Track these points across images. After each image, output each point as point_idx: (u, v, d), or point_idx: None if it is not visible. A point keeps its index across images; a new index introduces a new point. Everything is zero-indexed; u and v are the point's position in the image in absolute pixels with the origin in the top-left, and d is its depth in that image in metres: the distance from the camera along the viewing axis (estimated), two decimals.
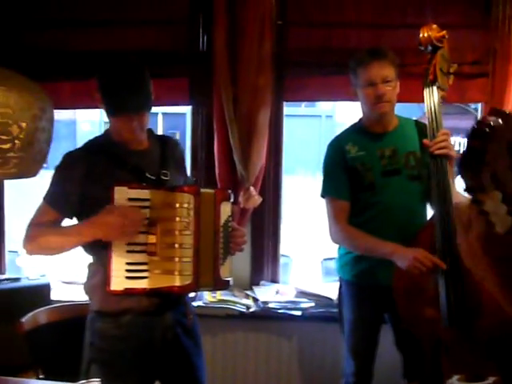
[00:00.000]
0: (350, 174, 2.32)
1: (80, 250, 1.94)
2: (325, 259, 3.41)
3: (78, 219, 1.91)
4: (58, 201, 1.87)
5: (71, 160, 1.88)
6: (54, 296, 2.85)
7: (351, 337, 2.41)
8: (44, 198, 1.90)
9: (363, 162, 2.31)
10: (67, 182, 1.85)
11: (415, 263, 2.09)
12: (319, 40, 3.02)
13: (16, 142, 1.29)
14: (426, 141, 2.22)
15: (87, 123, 16.01)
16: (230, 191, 1.99)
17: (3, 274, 3.16)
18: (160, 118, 13.78)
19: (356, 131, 2.41)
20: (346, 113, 15.43)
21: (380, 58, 2.23)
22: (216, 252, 1.90)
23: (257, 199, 2.93)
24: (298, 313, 2.84)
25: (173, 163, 2.01)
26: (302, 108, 15.39)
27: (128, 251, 1.82)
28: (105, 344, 1.91)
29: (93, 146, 1.94)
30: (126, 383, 1.91)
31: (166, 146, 2.03)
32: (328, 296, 2.88)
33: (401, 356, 2.42)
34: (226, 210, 1.93)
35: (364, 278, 2.36)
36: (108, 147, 1.90)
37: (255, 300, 2.92)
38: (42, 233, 1.85)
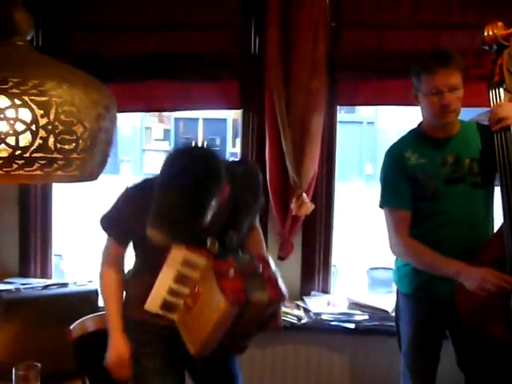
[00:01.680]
0: (410, 183, 2.20)
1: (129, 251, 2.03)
2: (371, 268, 3.30)
3: (134, 245, 1.97)
4: (124, 238, 1.95)
5: (138, 195, 1.86)
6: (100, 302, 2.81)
7: (410, 353, 2.29)
8: (109, 232, 1.95)
9: (425, 170, 2.18)
10: (133, 219, 1.83)
11: (484, 284, 1.96)
12: (374, 42, 2.91)
13: (80, 142, 1.24)
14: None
15: (128, 128, 16.19)
16: (284, 292, 1.86)
17: (50, 278, 3.15)
18: (201, 123, 13.88)
19: (415, 137, 2.28)
20: (388, 119, 15.25)
21: (448, 64, 2.08)
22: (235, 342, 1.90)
23: (309, 206, 2.84)
24: (352, 325, 2.73)
25: (244, 209, 1.93)
26: (343, 114, 15.25)
27: (174, 282, 1.84)
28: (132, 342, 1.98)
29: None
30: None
31: (243, 189, 1.90)
32: (383, 308, 2.77)
33: (463, 375, 2.29)
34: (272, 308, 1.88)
35: (424, 291, 2.23)
36: None
37: (306, 311, 2.82)
38: (105, 289, 2.02)
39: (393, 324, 2.56)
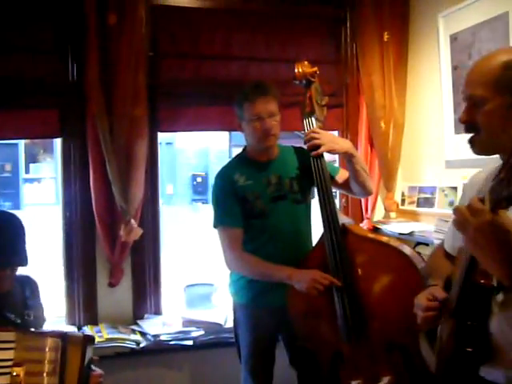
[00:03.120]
0: (240, 203, 2.40)
1: None
2: (188, 286, 3.43)
3: None
4: None
5: None
6: None
7: (250, 358, 2.47)
8: None
9: (252, 191, 2.41)
10: None
11: (314, 284, 2.22)
12: (190, 71, 3.11)
13: None
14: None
15: None
16: (93, 335, 2.37)
17: None
18: None
19: (242, 161, 2.50)
20: (185, 140, 15.73)
21: (265, 93, 2.36)
22: None
23: (138, 232, 2.89)
24: (190, 342, 2.84)
25: (33, 301, 2.14)
26: None
27: None
28: None
29: None
30: None
31: (27, 286, 2.15)
32: (216, 322, 2.92)
33: (295, 372, 2.54)
34: (89, 352, 2.00)
35: (259, 301, 2.44)
36: None
37: (143, 334, 2.85)
38: None
39: (227, 335, 2.75)
